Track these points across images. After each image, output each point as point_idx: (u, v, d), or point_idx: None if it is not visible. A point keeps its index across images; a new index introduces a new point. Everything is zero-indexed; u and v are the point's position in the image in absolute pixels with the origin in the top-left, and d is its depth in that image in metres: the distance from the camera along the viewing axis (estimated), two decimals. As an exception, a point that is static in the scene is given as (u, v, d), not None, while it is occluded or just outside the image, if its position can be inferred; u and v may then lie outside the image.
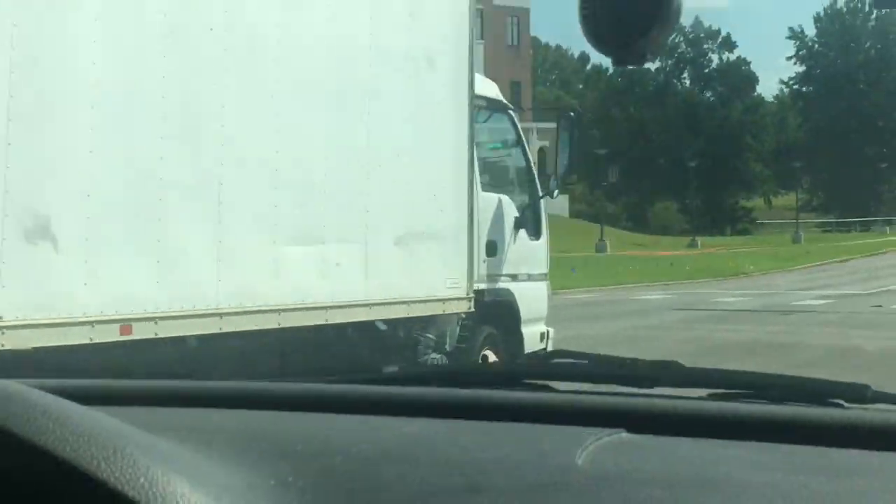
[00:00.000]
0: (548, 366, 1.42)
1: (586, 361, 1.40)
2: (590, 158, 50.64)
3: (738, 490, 0.80)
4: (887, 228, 48.89)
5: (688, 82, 70.10)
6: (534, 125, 53.33)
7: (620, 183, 58.95)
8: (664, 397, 1.14)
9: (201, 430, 0.94)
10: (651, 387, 1.23)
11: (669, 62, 68.94)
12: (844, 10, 67.37)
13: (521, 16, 55.19)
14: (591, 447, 0.90)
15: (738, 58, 69.44)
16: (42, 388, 0.76)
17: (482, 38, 50.31)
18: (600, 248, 37.78)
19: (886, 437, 0.96)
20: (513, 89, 53.46)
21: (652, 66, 69.28)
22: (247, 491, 0.73)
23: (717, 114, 67.23)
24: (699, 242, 44.79)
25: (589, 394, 1.20)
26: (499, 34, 53.73)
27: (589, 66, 77.63)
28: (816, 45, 65.47)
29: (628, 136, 65.29)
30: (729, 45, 68.86)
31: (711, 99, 69.13)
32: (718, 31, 68.54)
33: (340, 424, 1.06)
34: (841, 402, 1.14)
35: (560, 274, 24.24)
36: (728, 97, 68.27)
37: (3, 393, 0.67)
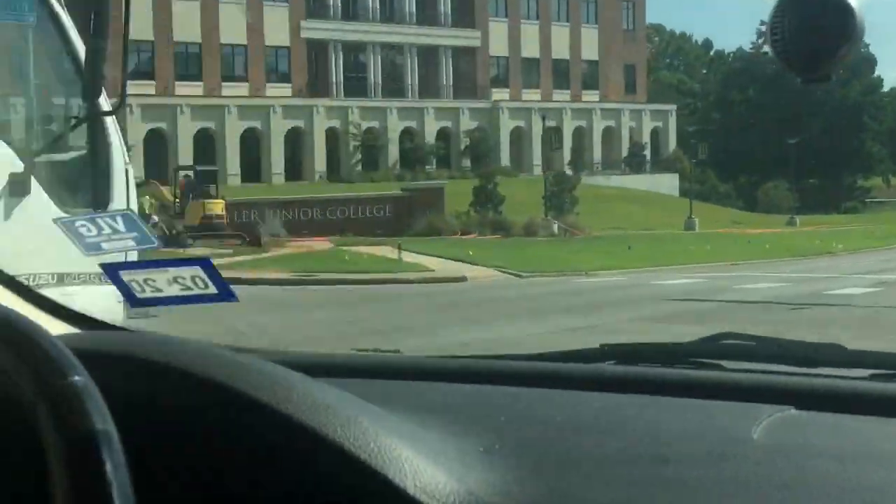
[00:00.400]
0: (717, 346, 1.43)
1: (753, 343, 1.45)
2: (686, 137, 53.52)
3: None
4: None
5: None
6: (647, 107, 56.75)
7: (732, 163, 61.46)
8: (828, 377, 1.19)
9: (414, 401, 1.05)
10: (815, 366, 1.25)
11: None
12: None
13: (637, 2, 58.19)
14: (765, 422, 0.97)
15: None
16: (275, 361, 0.93)
17: (597, 22, 54.24)
18: (689, 226, 37.46)
19: None
20: (627, 72, 57.01)
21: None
22: (459, 456, 0.83)
23: (835, 94, 67.99)
24: (797, 221, 44.19)
25: (757, 373, 1.23)
26: (614, 19, 57.20)
27: (712, 52, 79.41)
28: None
29: (748, 118, 67.37)
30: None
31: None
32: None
33: (536, 397, 1.13)
34: None
35: (616, 252, 23.48)
36: (847, 79, 68.76)
37: (252, 368, 0.82)
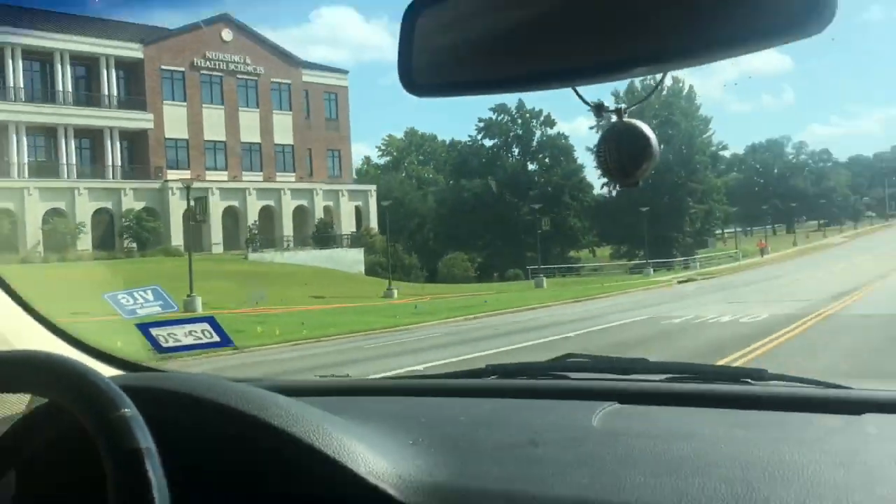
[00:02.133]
0: (565, 363, 1.84)
1: (588, 359, 1.88)
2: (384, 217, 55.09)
3: (698, 437, 1.21)
4: (651, 270, 52.59)
5: (517, 154, 75.78)
6: (349, 187, 58.00)
7: (434, 241, 63.23)
8: (640, 380, 1.62)
9: (361, 411, 1.39)
10: (631, 374, 1.69)
11: (499, 140, 74.84)
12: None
13: (339, 92, 59.97)
14: (600, 413, 1.35)
15: (558, 133, 75.70)
16: (260, 387, 1.25)
17: (290, 108, 55.27)
18: (388, 295, 35.80)
19: (775, 402, 1.41)
20: (333, 156, 58.09)
21: (488, 141, 75.06)
22: (395, 448, 1.14)
23: (541, 179, 72.90)
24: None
25: (593, 380, 1.68)
26: (317, 108, 58.29)
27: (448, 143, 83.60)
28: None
29: (471, 200, 70.51)
30: (549, 122, 75.10)
31: (533, 168, 74.99)
32: (541, 112, 74.69)
33: (446, 404, 1.56)
34: (749, 380, 1.57)
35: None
36: (550, 165, 74.00)
37: (247, 393, 1.12)
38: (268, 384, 1.61)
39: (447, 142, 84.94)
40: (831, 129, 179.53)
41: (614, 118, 0.99)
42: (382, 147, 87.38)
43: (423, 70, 1.00)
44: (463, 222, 69.71)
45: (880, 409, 1.32)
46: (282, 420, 1.05)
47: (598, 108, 0.99)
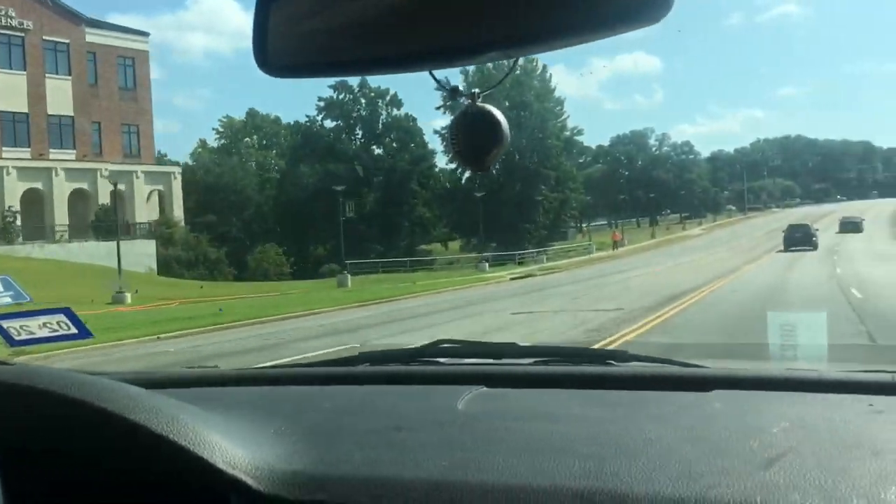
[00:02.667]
0: (436, 348, 1.86)
1: (459, 345, 1.91)
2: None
3: (559, 417, 1.24)
4: (486, 265, 47.12)
5: (361, 137, 68.28)
6: (146, 168, 49.19)
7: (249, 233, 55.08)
8: (509, 364, 1.68)
9: (228, 401, 1.36)
10: (500, 358, 1.75)
11: (341, 121, 67.14)
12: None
13: (137, 58, 50.71)
14: (466, 397, 1.36)
15: (406, 114, 68.77)
16: (122, 379, 1.18)
17: (69, 73, 45.90)
18: (117, 300, 29.75)
19: (635, 381, 1.49)
20: (129, 131, 48.94)
21: (330, 122, 67.32)
22: (255, 438, 1.10)
23: (385, 165, 65.98)
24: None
25: (463, 365, 1.71)
26: (106, 74, 48.73)
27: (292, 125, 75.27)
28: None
29: (313, 188, 62.87)
30: (396, 102, 68.04)
31: (379, 152, 67.79)
32: (387, 91, 67.56)
33: (314, 392, 1.53)
34: (612, 361, 1.67)
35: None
36: (398, 149, 67.25)
37: (100, 385, 1.06)
38: (128, 377, 1.54)
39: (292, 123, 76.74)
40: (697, 128, 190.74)
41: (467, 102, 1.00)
42: (220, 129, 78.00)
43: (278, 49, 0.97)
44: (302, 211, 62.09)
45: (727, 386, 1.41)
46: (131, 410, 1.02)
47: (453, 92, 1.00)
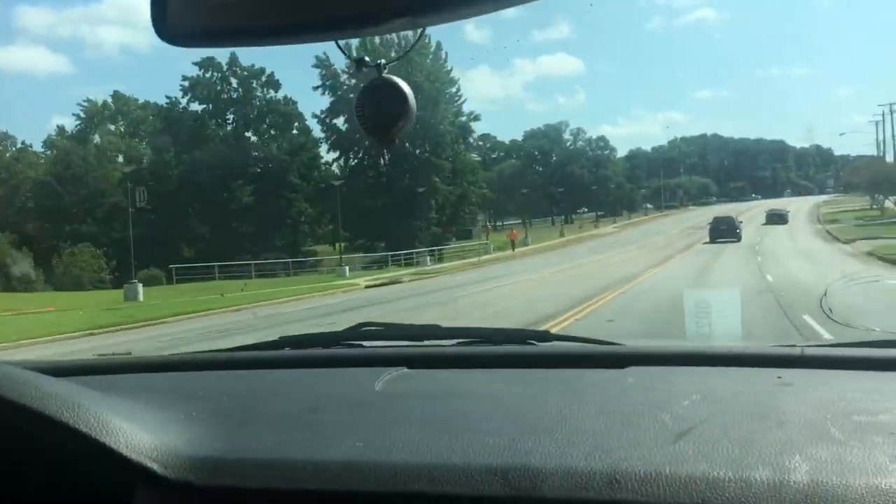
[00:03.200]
0: (359, 331, 1.86)
1: (382, 328, 1.91)
2: None
3: (477, 396, 1.27)
4: (346, 269, 39.00)
5: (232, 122, 59.19)
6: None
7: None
8: (431, 346, 1.71)
9: (137, 388, 1.35)
10: (423, 340, 1.77)
11: (209, 104, 57.95)
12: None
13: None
14: (385, 378, 1.39)
15: (285, 97, 60.12)
16: (27, 367, 1.14)
17: None
18: None
19: (555, 360, 1.52)
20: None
21: (198, 105, 58.27)
22: (163, 424, 1.09)
23: (259, 153, 57.34)
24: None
25: (386, 347, 1.71)
26: None
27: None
28: (344, 73, 57.10)
29: (176, 179, 53.84)
30: (273, 83, 59.33)
31: (254, 139, 58.91)
32: (262, 70, 58.76)
33: (232, 377, 1.52)
34: (534, 341, 1.68)
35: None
36: (274, 137, 58.66)
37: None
38: (33, 364, 1.51)
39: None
40: (617, 130, 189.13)
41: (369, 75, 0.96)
42: (81, 114, 67.66)
43: (177, 18, 0.92)
44: (163, 208, 53.02)
45: (642, 362, 1.45)
46: (29, 397, 0.98)
47: (359, 63, 1.00)
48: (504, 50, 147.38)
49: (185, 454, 1.02)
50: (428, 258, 44.76)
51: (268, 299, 25.29)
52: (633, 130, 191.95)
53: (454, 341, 1.72)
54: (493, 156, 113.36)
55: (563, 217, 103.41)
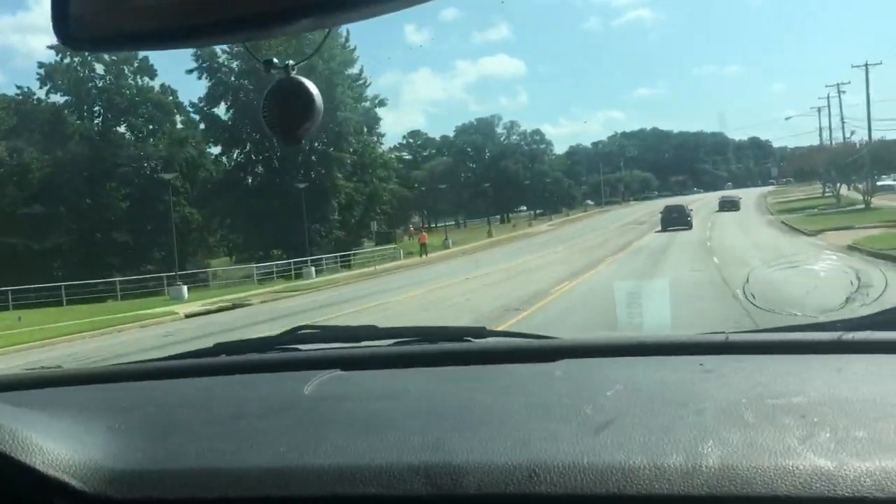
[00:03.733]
0: (294, 335, 1.81)
1: (318, 330, 1.89)
2: None
3: (407, 394, 1.27)
4: (185, 289, 29.53)
5: (100, 115, 50.25)
6: None
7: None
8: (367, 347, 1.67)
9: (59, 402, 1.33)
10: (359, 341, 1.72)
11: (71, 95, 48.92)
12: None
13: None
14: (315, 382, 1.37)
15: (163, 86, 51.60)
16: None
17: None
18: None
19: (489, 356, 1.52)
20: None
21: (58, 98, 49.39)
22: (85, 436, 1.08)
23: (133, 151, 48.67)
24: None
25: (322, 350, 1.69)
26: None
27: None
28: (225, 54, 48.97)
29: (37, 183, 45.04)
30: (148, 70, 50.64)
31: (127, 135, 50.10)
32: (134, 56, 49.97)
33: (160, 387, 1.49)
34: (470, 338, 1.67)
35: None
36: (152, 131, 50.06)
37: None
38: None
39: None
40: (560, 129, 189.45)
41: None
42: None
43: (79, 21, 0.87)
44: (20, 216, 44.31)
45: (572, 355, 1.45)
46: None
47: (268, 65, 0.99)
48: (445, 52, 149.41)
49: (106, 468, 1.01)
50: (314, 269, 36.99)
51: (25, 342, 17.34)
52: (575, 129, 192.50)
53: (391, 341, 1.71)
54: (425, 153, 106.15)
55: (499, 216, 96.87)
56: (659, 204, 75.85)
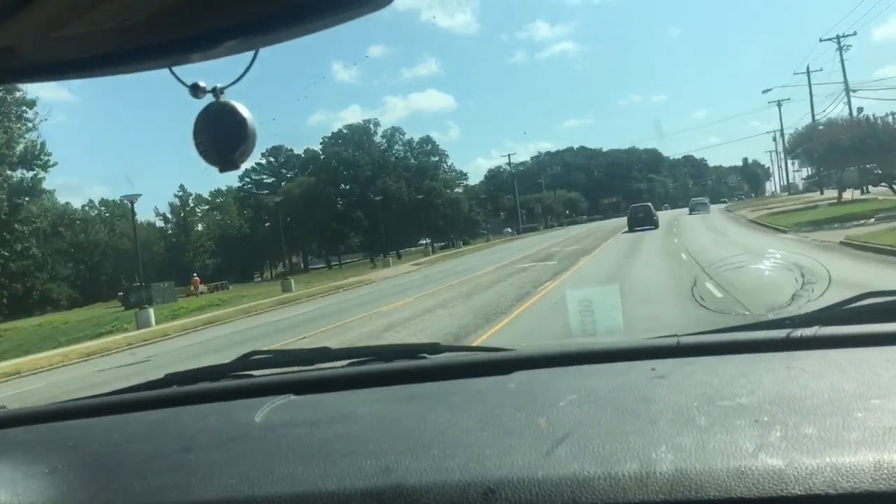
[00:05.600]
0: (247, 361, 1.75)
1: (271, 355, 1.80)
2: None
3: (359, 417, 1.24)
4: None
5: None
6: None
7: None
8: (321, 369, 1.63)
9: (5, 444, 1.30)
10: (311, 364, 1.68)
11: None
12: None
13: None
14: (267, 409, 1.34)
15: None
16: None
17: None
18: None
19: (443, 372, 1.49)
20: None
21: None
22: (24, 480, 1.04)
23: None
24: None
25: (274, 375, 1.65)
26: None
27: None
28: None
29: None
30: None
31: None
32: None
33: (105, 423, 1.42)
34: (425, 355, 1.64)
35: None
36: None
37: None
38: None
39: None
40: (493, 162, 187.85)
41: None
42: None
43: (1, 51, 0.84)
44: None
45: (526, 366, 1.43)
46: None
47: (195, 89, 0.95)
48: (375, 89, 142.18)
49: None
50: None
51: None
52: (505, 161, 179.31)
53: (345, 362, 1.66)
54: (288, 174, 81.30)
55: (383, 252, 72.38)
56: (585, 229, 59.22)
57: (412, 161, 77.72)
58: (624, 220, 47.76)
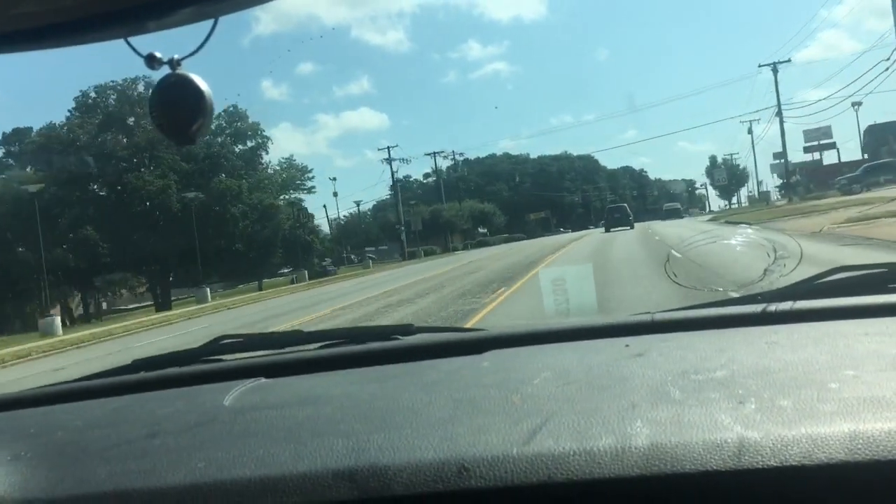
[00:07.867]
0: (217, 346, 1.75)
1: (241, 339, 1.80)
2: None
3: (330, 398, 1.22)
4: None
5: None
6: None
7: None
8: (292, 352, 1.61)
9: None
10: (283, 347, 1.67)
11: None
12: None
13: None
14: (236, 392, 1.32)
15: None
16: None
17: None
18: None
19: (417, 352, 1.49)
20: None
21: None
22: None
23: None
24: None
25: (244, 359, 1.62)
26: None
27: None
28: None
29: None
30: None
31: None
32: None
33: (70, 410, 1.41)
34: (398, 336, 1.64)
35: None
36: None
37: None
38: None
39: None
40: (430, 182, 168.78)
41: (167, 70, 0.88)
42: None
43: None
44: None
45: (499, 345, 1.44)
46: None
47: (151, 60, 0.90)
48: (306, 106, 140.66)
49: (9, 499, 0.96)
50: None
51: None
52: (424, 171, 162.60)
53: (317, 345, 1.66)
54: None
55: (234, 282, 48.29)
56: (485, 254, 43.54)
57: (234, 149, 53.20)
58: (557, 238, 46.70)
